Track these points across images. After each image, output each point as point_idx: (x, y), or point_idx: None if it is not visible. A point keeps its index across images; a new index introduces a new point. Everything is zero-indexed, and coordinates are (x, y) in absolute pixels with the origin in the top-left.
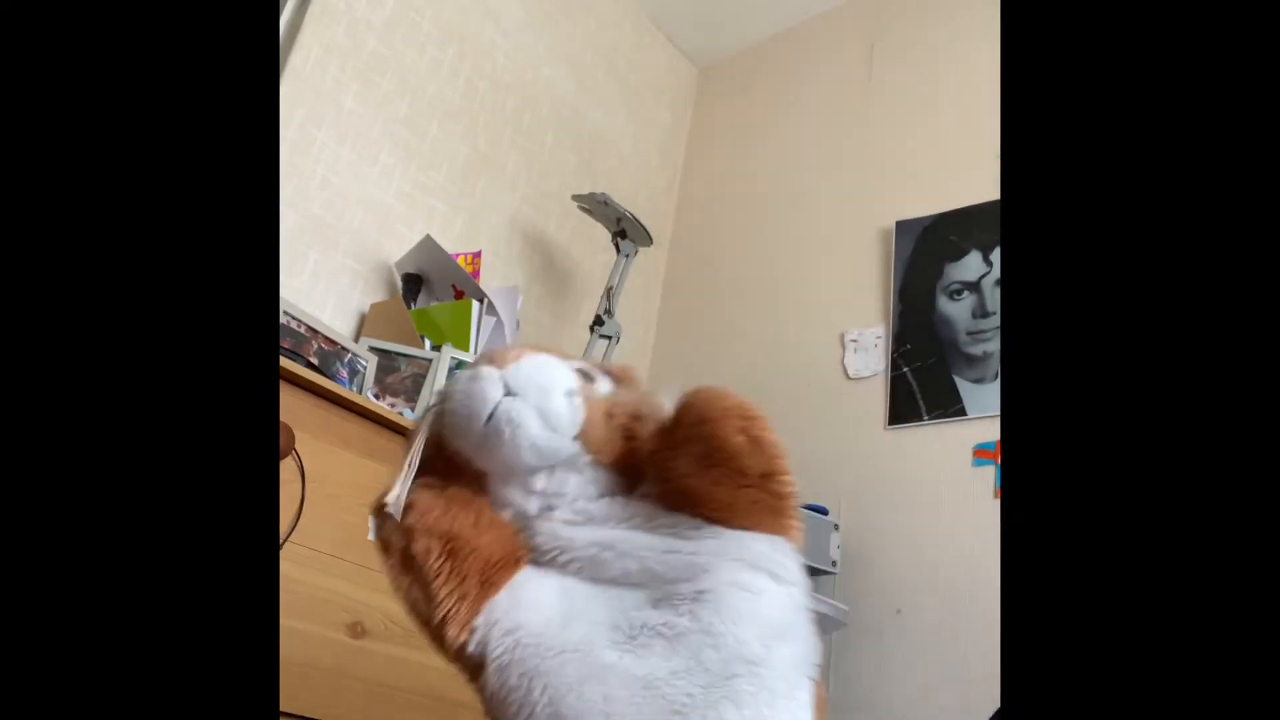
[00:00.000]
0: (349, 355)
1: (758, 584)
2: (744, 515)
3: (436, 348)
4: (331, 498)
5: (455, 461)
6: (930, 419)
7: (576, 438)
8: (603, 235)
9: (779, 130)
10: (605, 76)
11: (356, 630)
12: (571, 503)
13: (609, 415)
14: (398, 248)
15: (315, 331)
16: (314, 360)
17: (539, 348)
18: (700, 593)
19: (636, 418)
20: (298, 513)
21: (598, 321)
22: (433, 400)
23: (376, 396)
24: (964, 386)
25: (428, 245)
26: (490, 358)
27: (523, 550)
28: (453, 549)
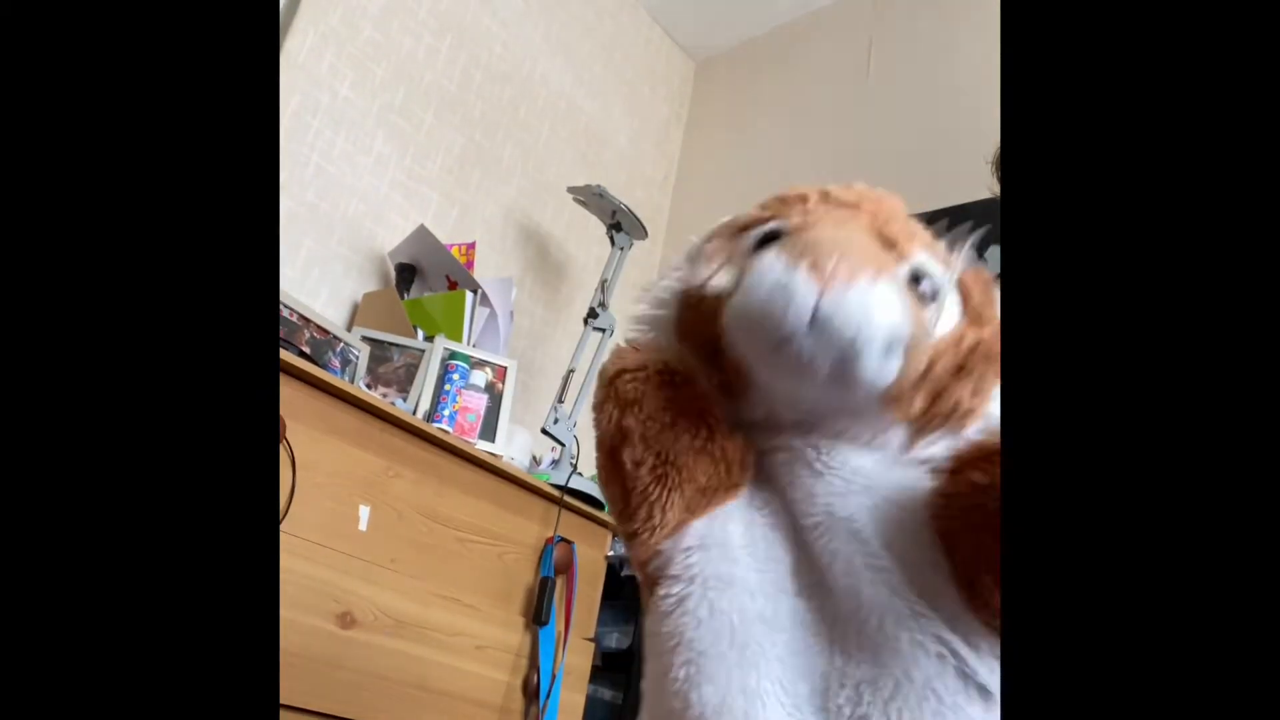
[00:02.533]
0: (341, 344)
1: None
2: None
3: (429, 338)
4: (322, 487)
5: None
6: None
7: (892, 379)
8: (598, 228)
9: (775, 125)
10: (602, 69)
11: (346, 620)
12: (836, 437)
13: (928, 369)
14: (392, 237)
15: (308, 320)
16: (306, 349)
17: (872, 255)
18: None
19: (960, 373)
20: (288, 501)
21: (592, 314)
22: (728, 273)
23: (369, 386)
24: None
25: (422, 235)
26: (815, 263)
27: (743, 478)
28: (664, 472)
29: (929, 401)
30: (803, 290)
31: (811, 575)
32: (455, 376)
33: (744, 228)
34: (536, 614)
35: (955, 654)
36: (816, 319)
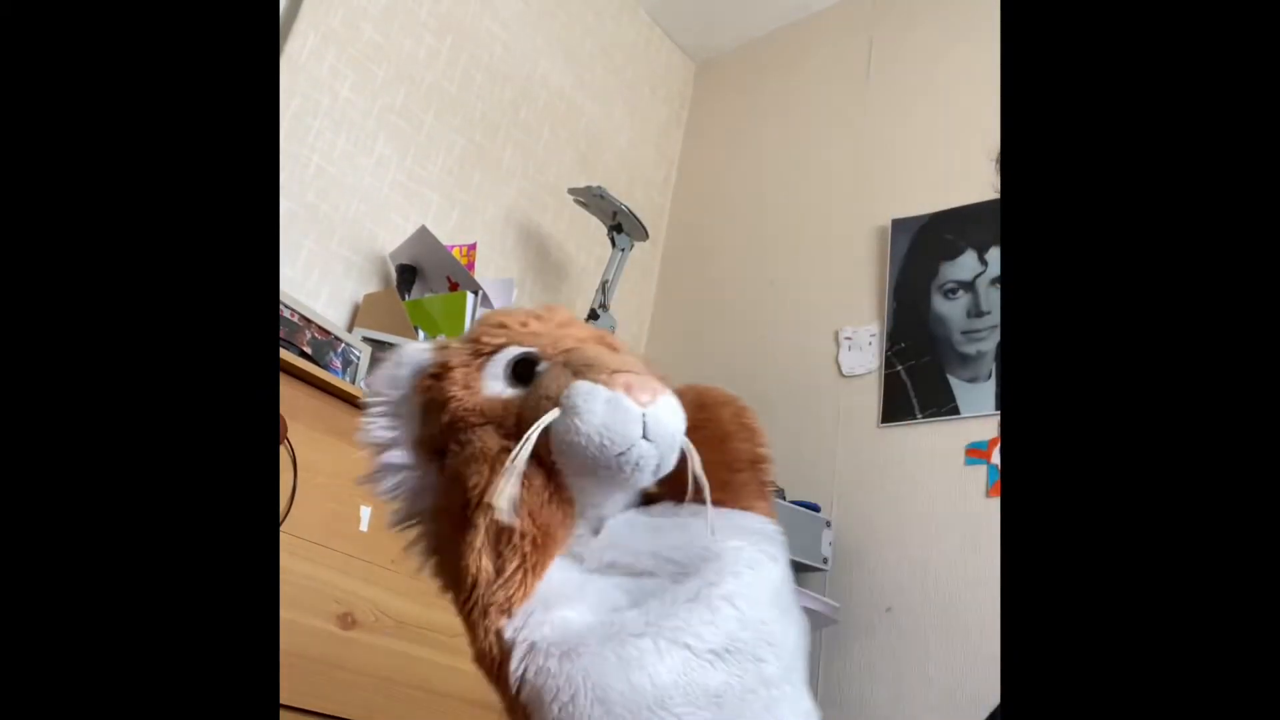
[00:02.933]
0: (342, 345)
1: (762, 560)
2: (737, 497)
3: (430, 339)
4: (323, 487)
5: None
6: (923, 417)
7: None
8: (598, 229)
9: (775, 127)
10: (603, 70)
11: (346, 621)
12: (610, 515)
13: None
14: (392, 238)
15: (309, 321)
16: (307, 349)
17: (657, 374)
18: (717, 572)
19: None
20: (289, 502)
21: (592, 315)
22: (549, 403)
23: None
24: (957, 385)
25: (423, 236)
26: (629, 385)
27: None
28: (544, 542)
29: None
30: (633, 408)
31: (625, 578)
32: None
33: (478, 353)
34: None
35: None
36: (646, 428)
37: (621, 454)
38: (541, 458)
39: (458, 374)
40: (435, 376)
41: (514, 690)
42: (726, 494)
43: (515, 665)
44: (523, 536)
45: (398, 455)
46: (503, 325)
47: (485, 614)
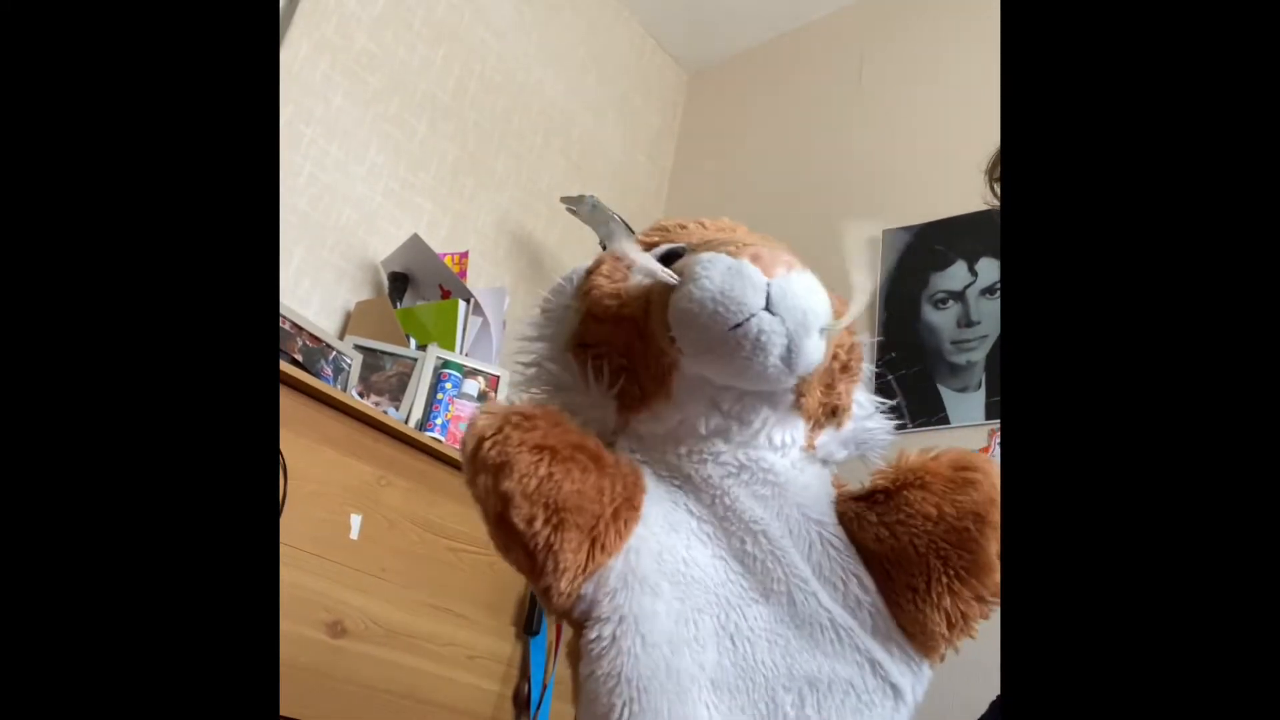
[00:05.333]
0: (334, 353)
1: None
2: (934, 646)
3: (422, 347)
4: (314, 496)
5: (628, 332)
6: (914, 427)
7: (797, 382)
8: (591, 238)
9: (767, 136)
10: (595, 80)
11: (336, 630)
12: (753, 437)
13: (832, 357)
14: (384, 246)
15: (300, 328)
16: (298, 357)
17: (791, 254)
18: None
19: (844, 371)
20: (279, 510)
21: None
22: (662, 263)
23: (361, 395)
24: (948, 395)
25: (415, 244)
26: (757, 255)
27: (642, 497)
28: (559, 519)
29: (822, 395)
30: (756, 275)
31: (743, 582)
32: (448, 385)
33: (633, 251)
34: (528, 624)
35: (871, 659)
36: (771, 299)
37: (739, 325)
38: (649, 359)
39: (605, 268)
40: (588, 273)
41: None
42: (931, 643)
43: (582, 641)
44: (530, 522)
45: (544, 350)
46: (661, 228)
47: (544, 601)
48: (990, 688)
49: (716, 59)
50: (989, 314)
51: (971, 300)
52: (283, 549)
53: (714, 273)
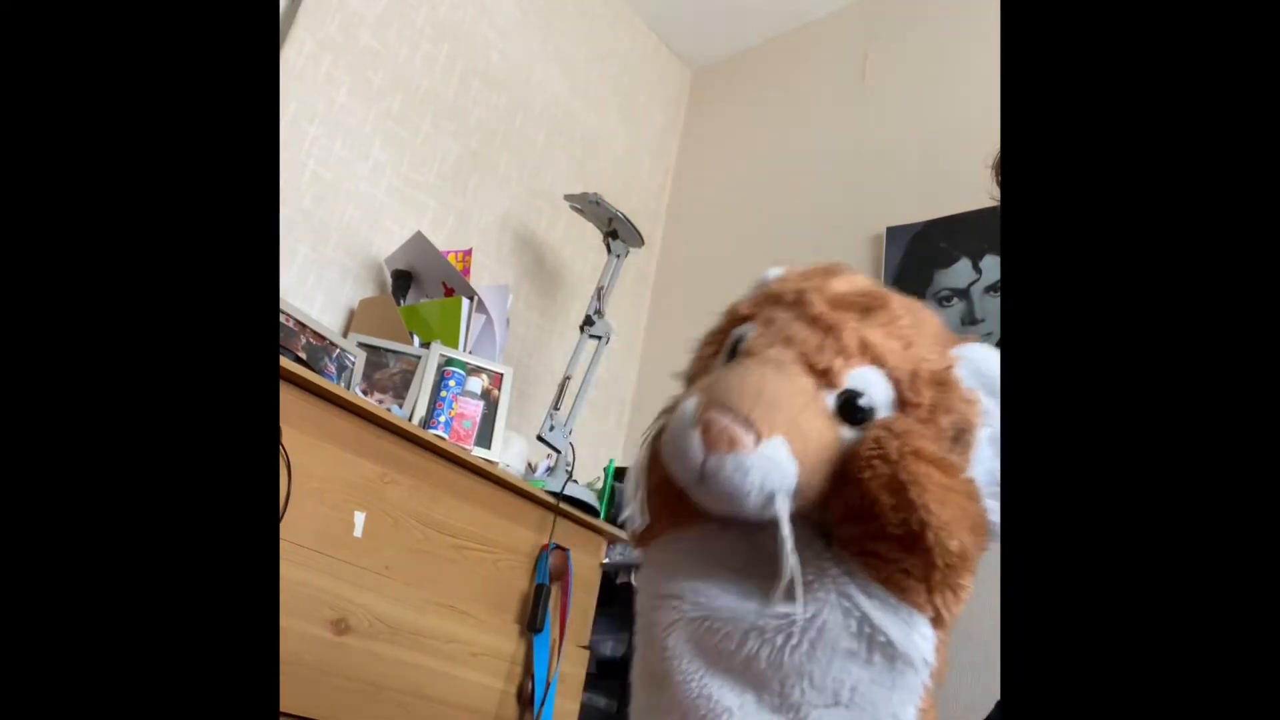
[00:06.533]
0: (337, 350)
1: (858, 650)
2: (891, 581)
3: (425, 345)
4: (317, 493)
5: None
6: None
7: (788, 510)
8: (594, 235)
9: (771, 134)
10: (598, 77)
11: (340, 627)
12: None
13: (838, 483)
14: (388, 244)
15: (304, 326)
16: (302, 354)
17: (772, 409)
18: (800, 634)
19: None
20: (283, 507)
21: (588, 321)
22: (655, 423)
23: (364, 392)
24: None
25: (418, 242)
26: (707, 422)
27: None
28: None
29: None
30: (693, 452)
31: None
32: (451, 383)
33: (734, 317)
34: (531, 621)
35: (858, 608)
36: (703, 478)
37: (684, 485)
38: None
39: (707, 339)
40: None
41: None
42: (882, 571)
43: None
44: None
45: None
46: (767, 298)
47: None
48: (994, 687)
49: (720, 56)
50: (993, 311)
51: (976, 298)
52: (286, 546)
53: (671, 435)
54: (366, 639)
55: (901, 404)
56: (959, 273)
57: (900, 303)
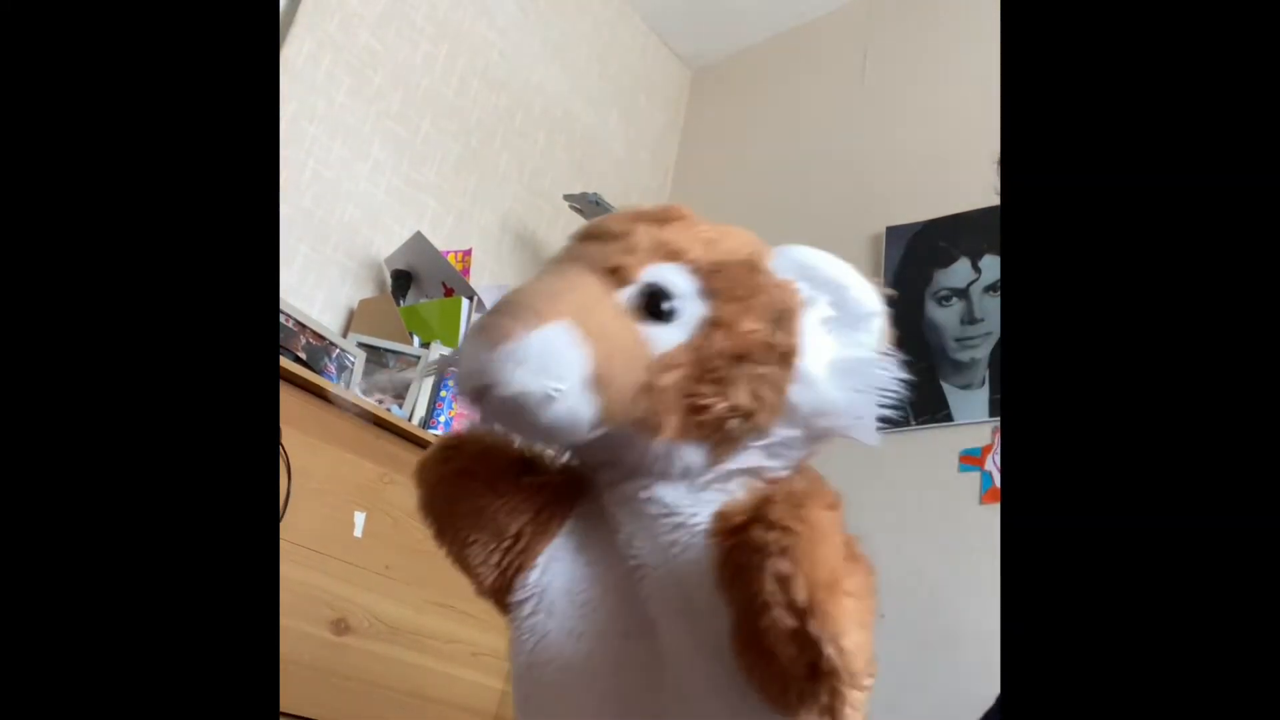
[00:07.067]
0: (337, 350)
1: None
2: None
3: (425, 345)
4: (317, 493)
5: None
6: (917, 424)
7: (595, 414)
8: None
9: (771, 134)
10: (598, 77)
11: (340, 627)
12: (640, 474)
13: (650, 386)
14: (388, 244)
15: (304, 326)
16: (302, 355)
17: (548, 303)
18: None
19: (704, 379)
20: (283, 507)
21: None
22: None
23: (364, 393)
24: (951, 392)
25: (418, 242)
26: (481, 326)
27: (558, 522)
28: (466, 547)
29: (685, 414)
30: (468, 360)
31: (643, 613)
32: (451, 383)
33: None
34: None
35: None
36: (483, 385)
37: (477, 405)
38: None
39: None
40: None
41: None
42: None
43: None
44: (441, 543)
45: None
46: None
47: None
48: (992, 686)
49: (719, 56)
50: (992, 311)
51: (975, 297)
52: (287, 546)
53: (463, 345)
54: (366, 639)
55: (709, 294)
56: (958, 272)
57: (704, 219)
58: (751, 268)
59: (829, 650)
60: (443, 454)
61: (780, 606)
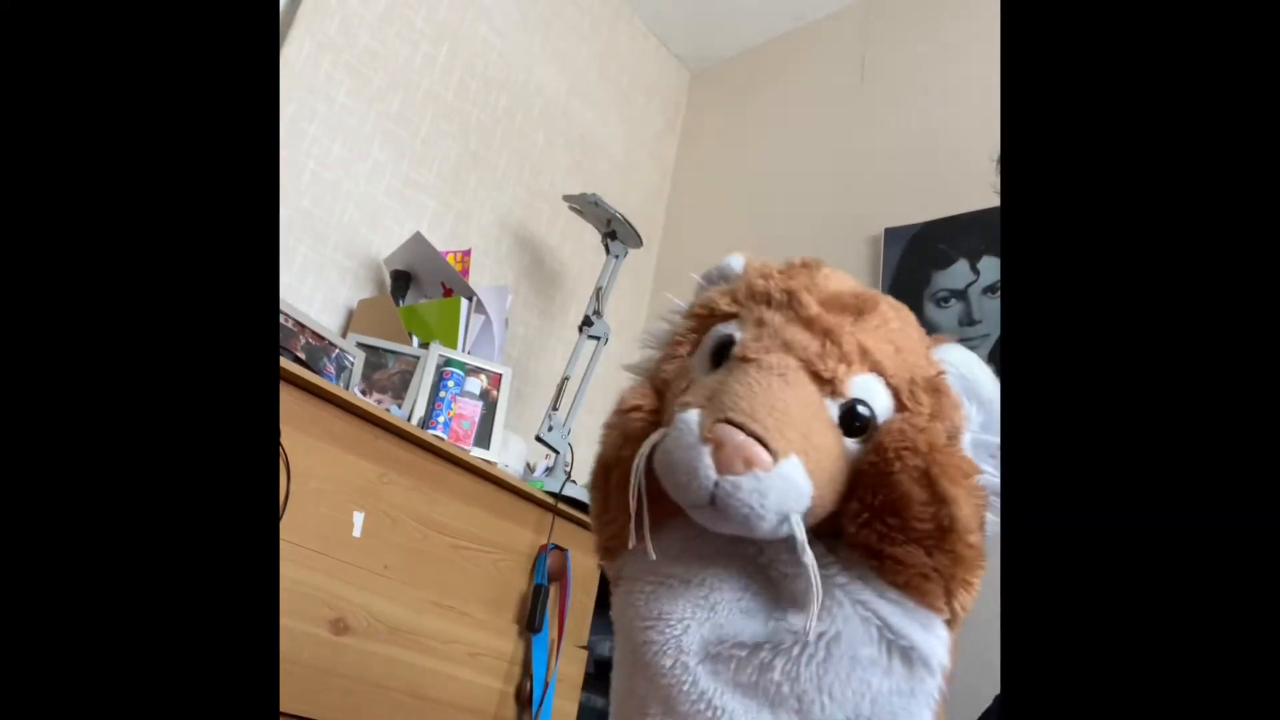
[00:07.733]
0: (336, 351)
1: (878, 658)
2: (909, 584)
3: (424, 345)
4: (317, 493)
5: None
6: None
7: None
8: (593, 236)
9: (769, 135)
10: (597, 78)
11: (339, 627)
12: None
13: (858, 476)
14: (387, 244)
15: (303, 326)
16: (301, 355)
17: (783, 426)
18: (816, 644)
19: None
20: (282, 507)
21: (586, 322)
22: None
23: (364, 393)
24: None
25: (417, 242)
26: (718, 441)
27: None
28: (639, 505)
29: (861, 516)
30: (704, 474)
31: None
32: (450, 383)
33: (712, 314)
34: (530, 621)
35: (877, 615)
36: (715, 500)
37: (688, 506)
38: None
39: (681, 331)
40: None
41: None
42: (898, 575)
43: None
44: (620, 490)
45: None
46: (749, 293)
47: (600, 548)
48: (992, 684)
49: (718, 57)
50: (991, 312)
51: (974, 299)
52: (285, 546)
53: (674, 453)
54: (365, 639)
55: (900, 411)
56: (957, 274)
57: (887, 303)
58: (935, 389)
59: (952, 509)
60: (655, 420)
61: (910, 452)
